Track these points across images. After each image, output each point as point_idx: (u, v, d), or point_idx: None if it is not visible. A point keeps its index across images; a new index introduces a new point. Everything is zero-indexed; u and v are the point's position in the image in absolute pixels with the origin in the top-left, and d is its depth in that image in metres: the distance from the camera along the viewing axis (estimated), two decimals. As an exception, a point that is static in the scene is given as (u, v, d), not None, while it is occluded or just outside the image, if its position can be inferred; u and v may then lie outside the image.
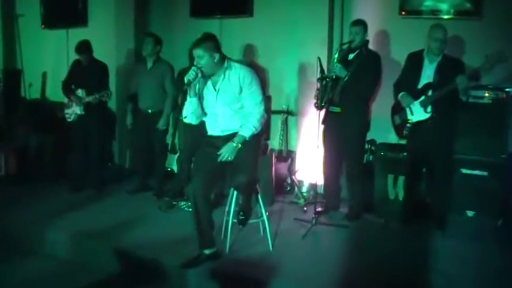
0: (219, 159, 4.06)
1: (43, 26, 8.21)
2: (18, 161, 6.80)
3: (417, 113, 4.90)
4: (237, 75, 4.12)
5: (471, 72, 4.69)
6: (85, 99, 5.96)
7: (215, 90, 4.15)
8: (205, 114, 4.28)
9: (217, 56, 4.04)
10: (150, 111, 6.00)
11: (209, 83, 4.18)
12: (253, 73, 4.20)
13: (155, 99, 5.98)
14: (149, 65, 6.03)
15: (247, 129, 4.11)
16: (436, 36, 4.79)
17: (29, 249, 4.83)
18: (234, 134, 4.14)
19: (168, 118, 6.01)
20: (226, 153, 4.05)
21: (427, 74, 4.88)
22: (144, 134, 6.14)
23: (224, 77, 4.12)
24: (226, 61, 4.15)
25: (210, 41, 4.08)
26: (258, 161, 4.34)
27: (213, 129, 4.27)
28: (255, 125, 4.13)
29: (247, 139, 4.11)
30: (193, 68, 4.00)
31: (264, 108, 4.21)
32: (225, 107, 4.16)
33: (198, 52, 4.01)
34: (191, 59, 5.80)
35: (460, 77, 4.55)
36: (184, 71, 6.06)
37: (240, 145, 4.07)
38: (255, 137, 4.21)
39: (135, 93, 6.19)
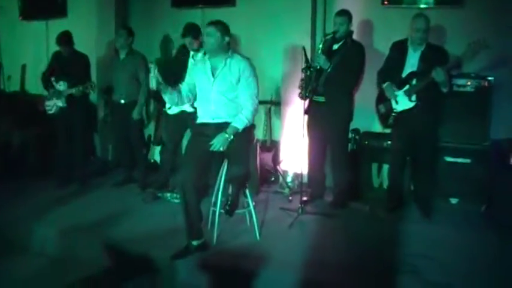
0: (210, 149, 4.06)
1: (21, 17, 8.07)
2: (1, 157, 6.69)
3: (402, 102, 4.92)
4: (237, 65, 4.16)
5: (453, 61, 4.73)
6: (67, 91, 5.89)
7: (213, 76, 4.18)
8: (190, 99, 4.35)
9: (226, 39, 4.15)
10: (123, 101, 5.96)
11: (208, 67, 4.22)
12: (253, 67, 4.26)
13: (129, 90, 5.93)
14: (122, 56, 5.99)
15: (241, 121, 4.13)
16: (417, 26, 4.81)
17: (18, 246, 4.78)
18: (225, 123, 4.15)
19: (142, 108, 5.98)
20: (218, 143, 4.05)
21: (411, 63, 4.91)
22: (121, 126, 6.10)
23: (225, 64, 4.17)
24: (230, 50, 4.21)
25: (224, 25, 4.17)
26: (249, 154, 4.38)
27: (204, 115, 4.27)
28: (248, 117, 4.16)
29: (239, 131, 4.11)
30: (150, 76, 4.03)
31: (257, 102, 4.26)
32: (219, 94, 4.17)
33: (209, 30, 4.11)
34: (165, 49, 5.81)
35: (436, 70, 4.58)
36: (159, 61, 6.11)
37: (232, 136, 4.07)
38: (247, 130, 4.24)
39: (110, 85, 6.17)
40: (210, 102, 4.21)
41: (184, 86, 4.41)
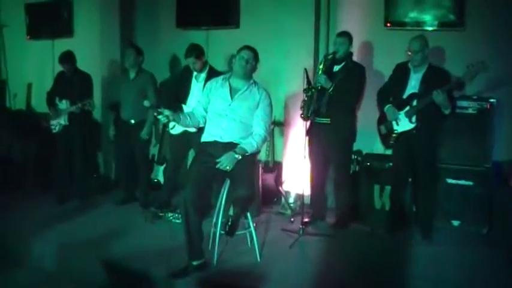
0: (217, 166, 4.09)
1: (28, 36, 8.19)
2: (3, 170, 6.74)
3: (402, 123, 4.95)
4: (259, 94, 4.33)
5: (453, 82, 4.73)
6: (69, 110, 5.95)
7: (231, 98, 4.28)
8: (204, 118, 4.44)
9: (256, 67, 4.35)
10: (133, 121, 5.97)
11: (227, 88, 4.32)
12: (271, 99, 4.42)
13: (138, 110, 5.93)
14: (132, 75, 6.00)
15: (250, 145, 4.20)
16: (411, 48, 4.88)
17: (16, 261, 4.79)
18: (231, 143, 4.20)
19: (150, 128, 5.98)
20: (225, 161, 4.07)
21: (413, 85, 4.94)
22: (128, 145, 6.10)
23: (247, 89, 4.30)
24: (253, 78, 4.39)
25: (257, 53, 4.35)
26: (254, 177, 4.42)
27: (213, 134, 4.31)
28: (258, 143, 4.25)
29: (247, 154, 4.16)
30: (160, 117, 4.14)
31: (268, 133, 4.39)
32: (233, 115, 4.25)
33: (248, 55, 4.30)
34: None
35: (435, 92, 4.60)
36: (166, 83, 6.17)
37: (240, 157, 4.11)
38: (253, 155, 4.33)
39: (117, 103, 6.19)
40: (222, 121, 4.27)
41: (197, 106, 4.51)
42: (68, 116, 5.99)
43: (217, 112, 4.30)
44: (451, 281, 4.09)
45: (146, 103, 4.42)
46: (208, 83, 4.56)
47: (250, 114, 4.29)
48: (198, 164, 4.34)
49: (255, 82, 4.40)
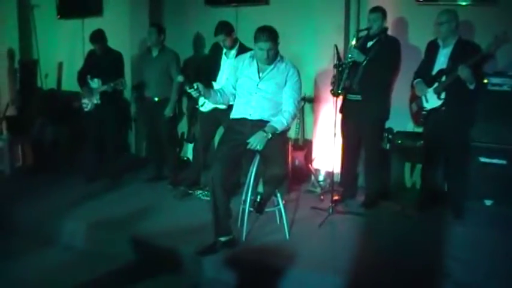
0: (248, 147, 4.07)
1: (59, 16, 8.24)
2: (35, 151, 6.82)
3: (431, 100, 4.85)
4: (286, 70, 4.21)
5: (479, 57, 4.54)
6: (101, 89, 5.97)
7: (259, 77, 4.21)
8: (234, 95, 4.41)
9: (278, 46, 4.15)
10: (156, 99, 6.00)
11: (254, 67, 4.24)
12: (299, 74, 4.30)
13: (162, 87, 5.97)
14: (154, 54, 6.03)
15: (280, 122, 4.13)
16: (437, 20, 4.78)
17: (47, 239, 4.84)
18: (261, 121, 4.16)
19: (174, 105, 6.00)
20: (255, 142, 4.04)
21: (442, 60, 4.84)
22: (152, 123, 6.15)
23: (274, 67, 4.19)
24: (279, 54, 4.22)
25: (276, 33, 4.13)
26: (286, 155, 4.39)
27: (243, 111, 4.27)
28: (288, 120, 4.18)
29: (277, 132, 4.11)
30: (192, 91, 4.11)
31: (297, 109, 4.30)
32: (263, 93, 4.19)
33: (267, 45, 4.05)
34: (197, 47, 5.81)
35: (461, 67, 4.48)
36: (192, 60, 6.27)
37: (270, 135, 4.06)
38: (284, 132, 4.27)
39: (140, 82, 6.22)
40: (252, 99, 4.22)
41: (227, 84, 4.47)
42: (100, 95, 6.01)
43: (246, 90, 4.26)
44: (482, 262, 4.01)
45: (180, 78, 4.44)
46: (235, 61, 4.52)
47: (279, 91, 4.21)
48: (226, 142, 4.31)
49: (281, 58, 4.26)
